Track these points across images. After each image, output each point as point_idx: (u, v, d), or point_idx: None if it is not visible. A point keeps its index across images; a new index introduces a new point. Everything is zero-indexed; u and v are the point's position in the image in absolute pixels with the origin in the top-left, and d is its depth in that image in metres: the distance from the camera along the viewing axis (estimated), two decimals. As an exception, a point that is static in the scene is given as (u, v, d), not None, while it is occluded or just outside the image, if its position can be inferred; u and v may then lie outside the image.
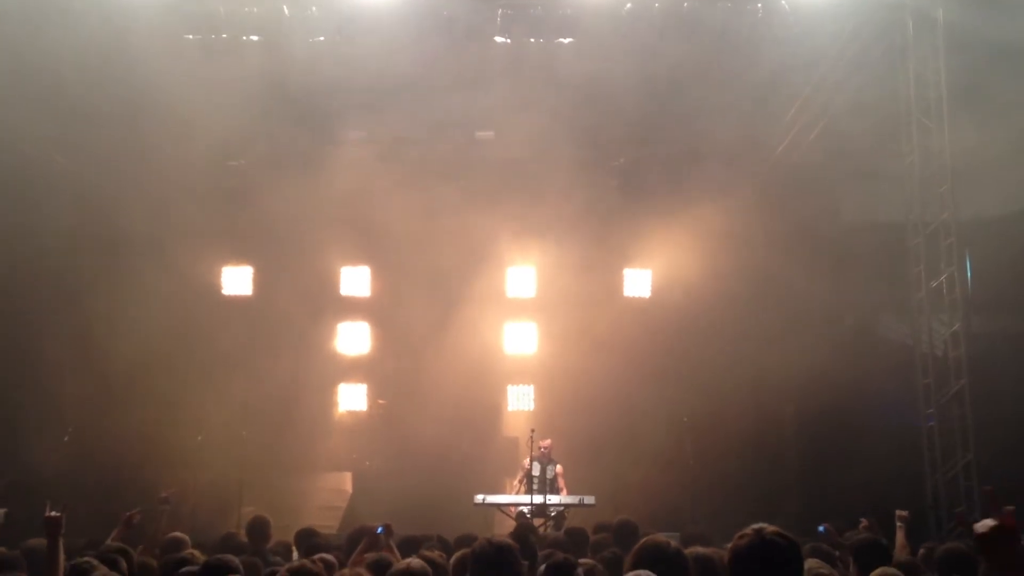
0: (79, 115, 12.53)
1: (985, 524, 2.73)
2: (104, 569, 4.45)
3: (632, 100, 13.29)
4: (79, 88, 11.85)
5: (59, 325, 12.93)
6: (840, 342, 13.34)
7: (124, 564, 4.88)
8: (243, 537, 7.43)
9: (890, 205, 13.26)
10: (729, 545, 3.02)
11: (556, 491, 12.20)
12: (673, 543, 3.59)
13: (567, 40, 12.44)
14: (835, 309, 13.67)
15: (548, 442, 12.45)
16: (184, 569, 4.59)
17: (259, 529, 7.01)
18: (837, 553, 6.73)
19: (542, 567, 3.56)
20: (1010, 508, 4.39)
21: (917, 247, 12.51)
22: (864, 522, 8.15)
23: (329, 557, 5.40)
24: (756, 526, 2.97)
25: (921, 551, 7.06)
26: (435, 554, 4.70)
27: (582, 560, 4.19)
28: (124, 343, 12.88)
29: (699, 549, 3.99)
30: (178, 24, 11.86)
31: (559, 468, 12.50)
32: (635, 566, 3.47)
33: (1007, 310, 11.49)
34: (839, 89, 12.98)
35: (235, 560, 4.42)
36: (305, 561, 4.30)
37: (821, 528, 8.22)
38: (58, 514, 4.72)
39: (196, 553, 5.20)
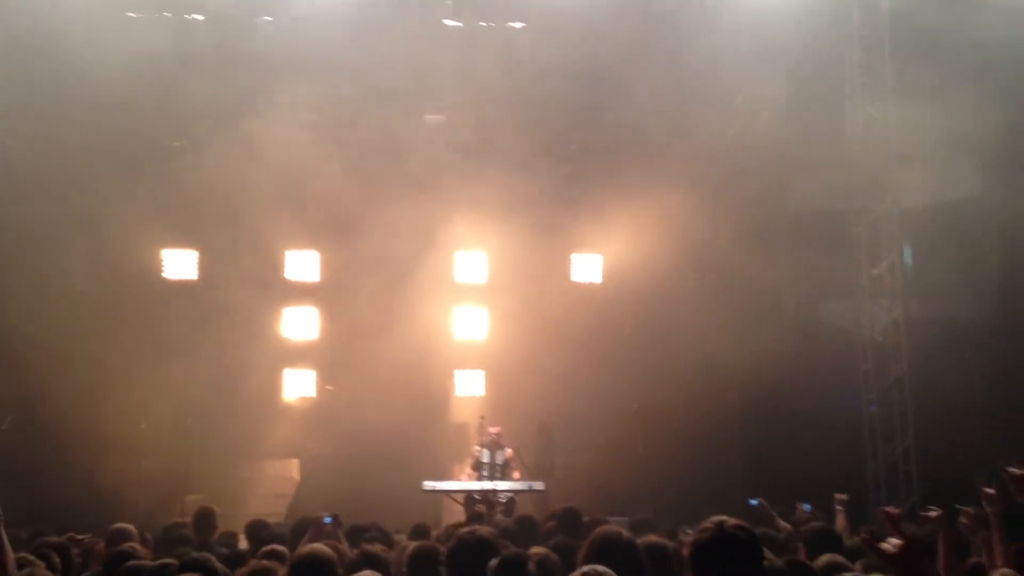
0: (16, 92, 12.16)
1: (893, 543, 2.80)
2: (41, 566, 4.29)
3: (583, 85, 13.30)
4: (16, 64, 11.49)
5: (-6, 310, 12.55)
6: (784, 328, 13.55)
7: (59, 560, 4.74)
8: (188, 527, 7.30)
9: (834, 193, 13.47)
10: (690, 539, 3.02)
11: (509, 475, 12.23)
12: (625, 533, 3.60)
13: (519, 24, 12.40)
14: (779, 295, 13.87)
15: (498, 429, 12.45)
16: (130, 563, 4.46)
17: (205, 520, 6.89)
18: (781, 535, 6.85)
19: (493, 562, 3.53)
20: (935, 512, 4.49)
21: (859, 234, 12.73)
22: (799, 507, 8.32)
23: (280, 548, 5.32)
24: (717, 519, 2.99)
25: (862, 535, 7.21)
26: (377, 548, 4.65)
27: (534, 549, 4.19)
28: (63, 328, 12.59)
29: (652, 538, 4.00)
30: (120, 1, 11.54)
31: (509, 452, 12.50)
32: (588, 558, 3.47)
33: (947, 297, 11.78)
34: (786, 77, 13.14)
35: (212, 561, 4.24)
36: (263, 562, 4.20)
37: (753, 502, 8.38)
38: None
39: (137, 546, 5.06)
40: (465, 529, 3.90)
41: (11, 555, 3.69)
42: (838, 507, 7.82)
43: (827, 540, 5.32)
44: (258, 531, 6.87)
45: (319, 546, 3.95)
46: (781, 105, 13.50)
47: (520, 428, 13.29)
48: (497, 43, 12.40)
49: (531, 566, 3.44)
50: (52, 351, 12.59)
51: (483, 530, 3.86)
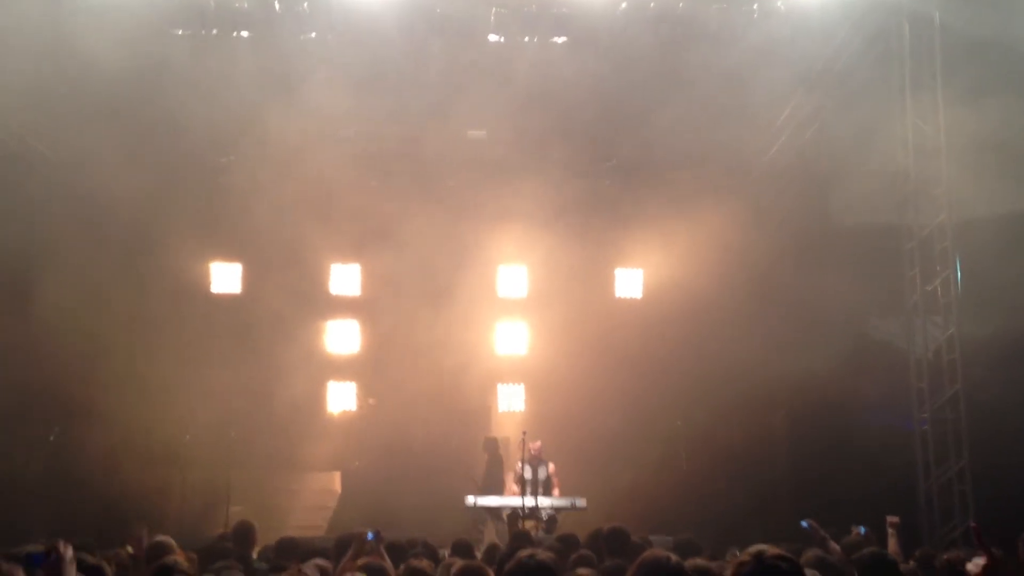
0: (66, 108, 12.39)
1: (976, 564, 2.70)
2: None
3: (625, 100, 13.21)
4: (66, 81, 11.69)
5: (43, 321, 12.72)
6: (834, 345, 13.26)
7: (110, 573, 4.71)
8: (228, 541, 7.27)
9: (885, 208, 13.19)
10: (728, 573, 2.88)
11: (550, 490, 12.12)
12: (673, 558, 3.48)
13: (561, 39, 12.35)
14: (829, 312, 13.58)
15: (538, 444, 12.35)
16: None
17: (244, 534, 6.85)
18: (833, 558, 6.65)
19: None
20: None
21: (912, 250, 12.44)
22: (854, 529, 8.07)
23: (322, 563, 5.25)
24: (755, 550, 2.84)
25: (912, 561, 6.98)
26: (424, 563, 4.58)
27: (581, 571, 4.08)
28: (111, 339, 12.74)
29: (698, 562, 3.88)
30: (167, 18, 11.70)
31: (552, 467, 12.40)
32: (637, 583, 3.35)
33: (1003, 313, 11.43)
34: (834, 91, 12.91)
35: None
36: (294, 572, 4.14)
37: (804, 523, 8.15)
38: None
39: (180, 560, 5.03)
40: (525, 552, 3.79)
41: None
42: (890, 529, 7.57)
43: (883, 567, 5.09)
44: (286, 548, 6.77)
45: None
46: (829, 119, 13.27)
47: (561, 443, 13.19)
48: (540, 58, 12.33)
49: None
50: (98, 363, 12.73)
51: (543, 554, 3.77)
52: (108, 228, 13.82)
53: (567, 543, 6.87)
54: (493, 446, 13.14)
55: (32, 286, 13.14)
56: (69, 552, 3.51)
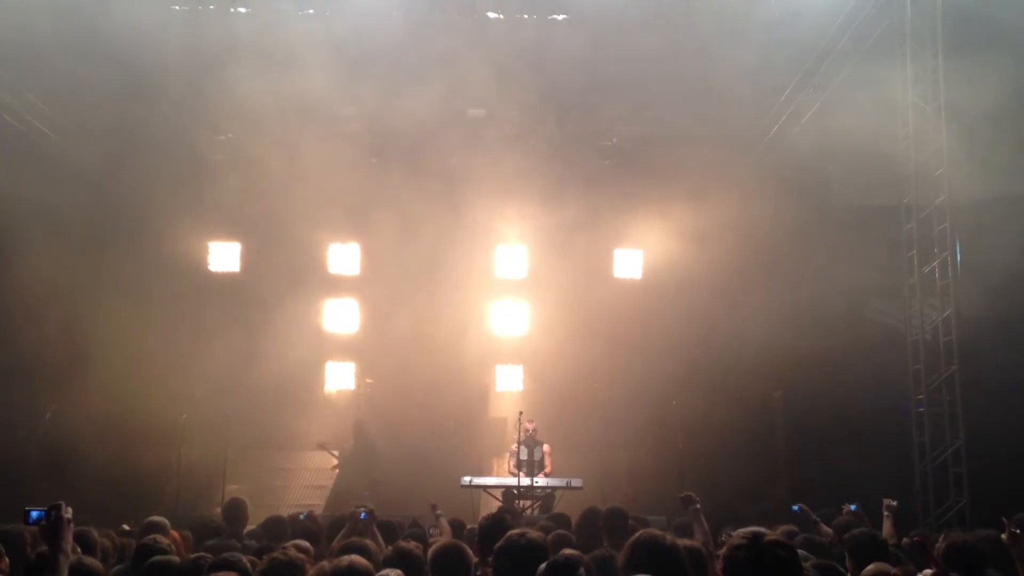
0: (63, 86, 12.30)
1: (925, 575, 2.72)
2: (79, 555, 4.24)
3: (626, 79, 13.12)
4: (63, 59, 11.60)
5: (41, 299, 12.70)
6: (831, 326, 13.26)
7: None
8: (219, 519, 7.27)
9: (884, 189, 13.13)
10: (722, 552, 2.85)
11: (542, 471, 12.16)
12: (669, 538, 3.47)
13: (561, 17, 12.25)
14: (827, 293, 13.58)
15: (534, 425, 12.38)
16: (157, 559, 4.41)
17: (236, 512, 6.85)
18: (823, 539, 6.66)
19: (543, 566, 3.40)
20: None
21: (911, 231, 12.39)
22: (846, 508, 8.09)
23: (303, 543, 5.25)
24: (752, 532, 2.78)
25: (906, 540, 6.99)
26: (411, 544, 4.58)
27: (567, 550, 4.07)
28: (109, 318, 12.72)
29: (686, 542, 3.87)
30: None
31: (546, 447, 12.43)
32: (629, 561, 3.35)
33: (1000, 295, 11.39)
34: (835, 70, 12.81)
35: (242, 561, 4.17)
36: (282, 552, 4.13)
37: (795, 507, 8.19)
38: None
39: (160, 538, 5.00)
40: (515, 531, 3.79)
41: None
42: (886, 513, 7.58)
43: (872, 547, 5.13)
44: (272, 526, 6.75)
45: (357, 558, 3.87)
46: (830, 99, 13.17)
47: (558, 424, 13.20)
48: (539, 36, 12.24)
49: (582, 570, 3.33)
50: (95, 341, 12.72)
51: (533, 533, 3.76)
52: (105, 205, 13.76)
53: (558, 522, 6.87)
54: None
55: (25, 266, 13.10)
56: (68, 513, 3.57)
